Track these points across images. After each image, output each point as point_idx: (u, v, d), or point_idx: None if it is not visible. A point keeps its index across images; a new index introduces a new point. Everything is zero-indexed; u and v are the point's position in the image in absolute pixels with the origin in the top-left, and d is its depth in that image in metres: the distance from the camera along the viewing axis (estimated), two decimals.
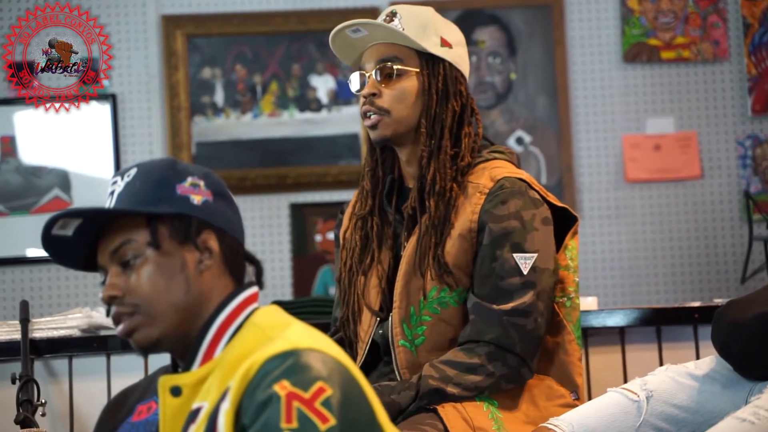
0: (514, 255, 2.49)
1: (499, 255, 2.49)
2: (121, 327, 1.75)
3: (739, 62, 5.16)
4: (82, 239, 1.78)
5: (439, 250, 2.52)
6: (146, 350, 1.76)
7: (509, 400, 2.51)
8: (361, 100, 2.61)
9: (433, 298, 2.52)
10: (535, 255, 2.49)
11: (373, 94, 2.58)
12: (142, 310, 1.73)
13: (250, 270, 3.24)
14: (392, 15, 2.60)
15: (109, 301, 1.75)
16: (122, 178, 1.77)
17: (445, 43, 2.61)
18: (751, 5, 5.16)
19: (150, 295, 1.73)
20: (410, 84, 2.58)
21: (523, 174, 2.58)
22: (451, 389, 2.45)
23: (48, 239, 1.77)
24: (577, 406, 2.53)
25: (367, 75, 2.60)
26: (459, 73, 2.62)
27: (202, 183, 1.77)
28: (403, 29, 2.57)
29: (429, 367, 2.47)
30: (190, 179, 1.77)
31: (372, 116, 2.59)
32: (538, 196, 2.55)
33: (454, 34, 2.65)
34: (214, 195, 1.78)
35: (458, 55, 2.63)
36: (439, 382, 2.44)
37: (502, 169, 2.57)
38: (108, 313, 1.78)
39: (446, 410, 2.43)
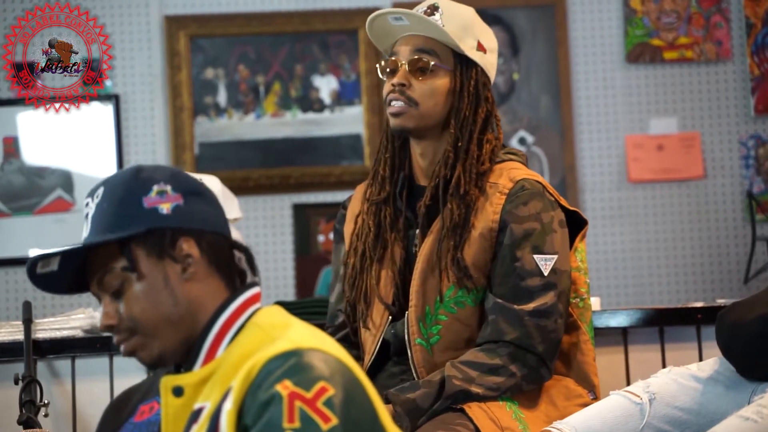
0: (535, 256, 2.49)
1: (520, 256, 2.49)
2: (123, 348, 1.76)
3: (742, 62, 5.15)
4: (69, 269, 1.77)
5: (458, 253, 2.51)
6: (153, 366, 1.77)
7: (529, 401, 2.51)
8: (388, 86, 2.59)
9: (449, 298, 2.52)
10: (556, 257, 2.50)
11: (403, 84, 2.57)
12: (138, 331, 1.73)
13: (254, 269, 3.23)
14: (433, 8, 2.58)
15: (106, 330, 1.75)
16: (92, 200, 1.75)
17: (480, 48, 2.61)
18: (754, 5, 5.16)
19: (140, 317, 1.73)
20: (442, 81, 2.58)
21: (538, 176, 2.59)
22: (474, 389, 2.44)
23: (36, 278, 1.77)
24: None
25: (400, 63, 2.59)
26: (487, 80, 2.62)
27: (168, 188, 1.74)
28: (444, 26, 2.56)
29: (451, 368, 2.46)
30: (155, 188, 1.73)
31: (397, 105, 2.57)
32: (553, 199, 2.56)
33: (491, 40, 2.65)
34: (185, 195, 1.75)
35: (490, 63, 2.63)
36: (463, 383, 2.44)
37: (519, 170, 2.57)
38: None
39: (474, 410, 2.43)
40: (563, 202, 2.60)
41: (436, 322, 2.52)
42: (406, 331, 2.54)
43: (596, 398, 2.56)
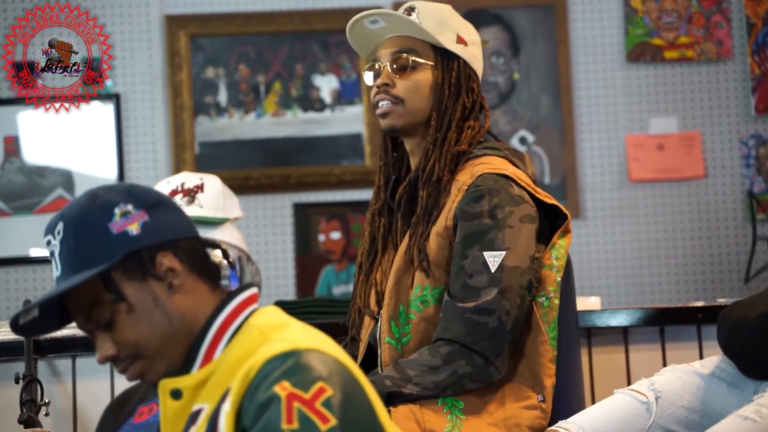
0: (484, 253, 2.46)
1: (469, 253, 2.47)
2: (128, 374, 1.75)
3: (743, 62, 5.15)
4: (50, 312, 1.76)
5: (423, 239, 2.51)
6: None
7: (477, 400, 2.47)
8: (374, 90, 2.61)
9: (416, 297, 2.51)
10: (504, 253, 2.46)
11: (387, 84, 2.58)
12: (140, 355, 1.72)
13: (253, 269, 3.23)
14: (410, 10, 2.60)
15: (106, 362, 1.74)
16: (54, 237, 1.72)
17: (460, 41, 2.61)
18: (755, 5, 5.15)
19: (139, 342, 1.71)
20: (424, 77, 2.59)
21: (508, 170, 2.54)
22: (409, 389, 2.42)
23: (21, 330, 1.76)
24: (542, 408, 2.49)
25: (382, 66, 2.60)
26: (472, 71, 2.63)
27: (130, 207, 1.71)
28: (421, 23, 2.58)
29: (391, 368, 2.46)
30: (117, 210, 1.71)
31: (384, 105, 2.59)
32: (520, 193, 2.52)
33: (471, 33, 2.66)
34: (148, 210, 1.72)
35: (472, 54, 2.64)
36: (396, 383, 2.42)
37: (485, 165, 2.54)
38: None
39: (399, 410, 2.41)
40: (542, 195, 2.56)
41: (408, 321, 2.51)
42: (378, 330, 2.54)
43: (545, 400, 2.51)
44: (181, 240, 1.74)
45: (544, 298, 2.54)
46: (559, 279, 2.55)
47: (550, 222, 2.59)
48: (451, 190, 2.54)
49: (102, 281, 1.70)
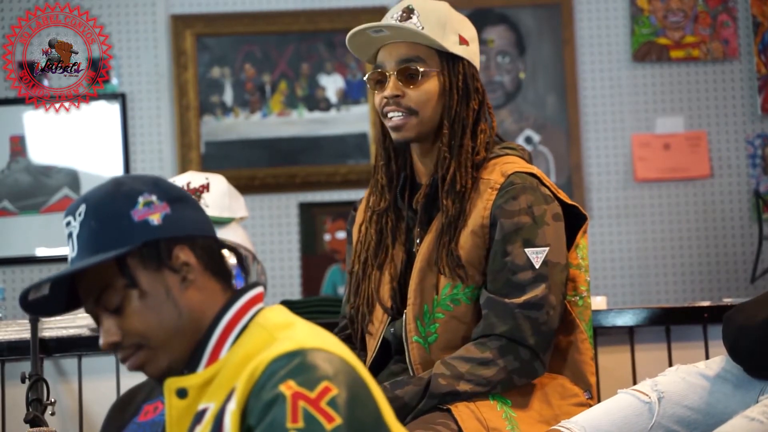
0: (526, 250, 2.49)
1: (511, 250, 2.49)
2: (129, 363, 1.75)
3: (749, 61, 5.14)
4: (60, 292, 1.76)
5: (452, 245, 2.52)
6: (161, 379, 1.75)
7: (522, 399, 2.50)
8: (382, 100, 2.58)
9: (446, 296, 2.52)
10: (547, 249, 2.49)
11: (397, 95, 2.56)
12: (144, 345, 1.73)
13: (259, 268, 3.23)
14: (409, 11, 2.57)
15: (110, 348, 1.74)
16: (75, 218, 1.73)
17: (463, 41, 2.60)
18: (761, 4, 5.15)
19: (145, 332, 1.72)
20: (433, 84, 2.57)
21: (534, 169, 2.58)
22: (463, 386, 2.44)
23: (28, 305, 1.76)
24: (590, 404, 2.52)
25: (388, 74, 2.58)
26: (474, 69, 2.62)
27: (154, 198, 1.72)
28: (423, 28, 2.55)
29: (440, 365, 2.46)
30: (141, 199, 1.72)
31: (397, 117, 2.56)
32: (548, 192, 2.56)
33: (469, 30, 2.64)
34: (171, 203, 1.74)
35: (473, 52, 2.63)
36: (451, 381, 2.44)
37: (513, 164, 2.57)
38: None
39: (460, 410, 2.42)
40: (562, 195, 2.59)
41: (434, 320, 2.53)
42: (403, 329, 2.55)
43: (592, 398, 2.55)
44: (199, 237, 1.75)
45: (578, 298, 2.59)
46: (589, 278, 2.61)
47: (567, 223, 2.61)
48: (480, 188, 2.54)
49: (117, 265, 1.71)
